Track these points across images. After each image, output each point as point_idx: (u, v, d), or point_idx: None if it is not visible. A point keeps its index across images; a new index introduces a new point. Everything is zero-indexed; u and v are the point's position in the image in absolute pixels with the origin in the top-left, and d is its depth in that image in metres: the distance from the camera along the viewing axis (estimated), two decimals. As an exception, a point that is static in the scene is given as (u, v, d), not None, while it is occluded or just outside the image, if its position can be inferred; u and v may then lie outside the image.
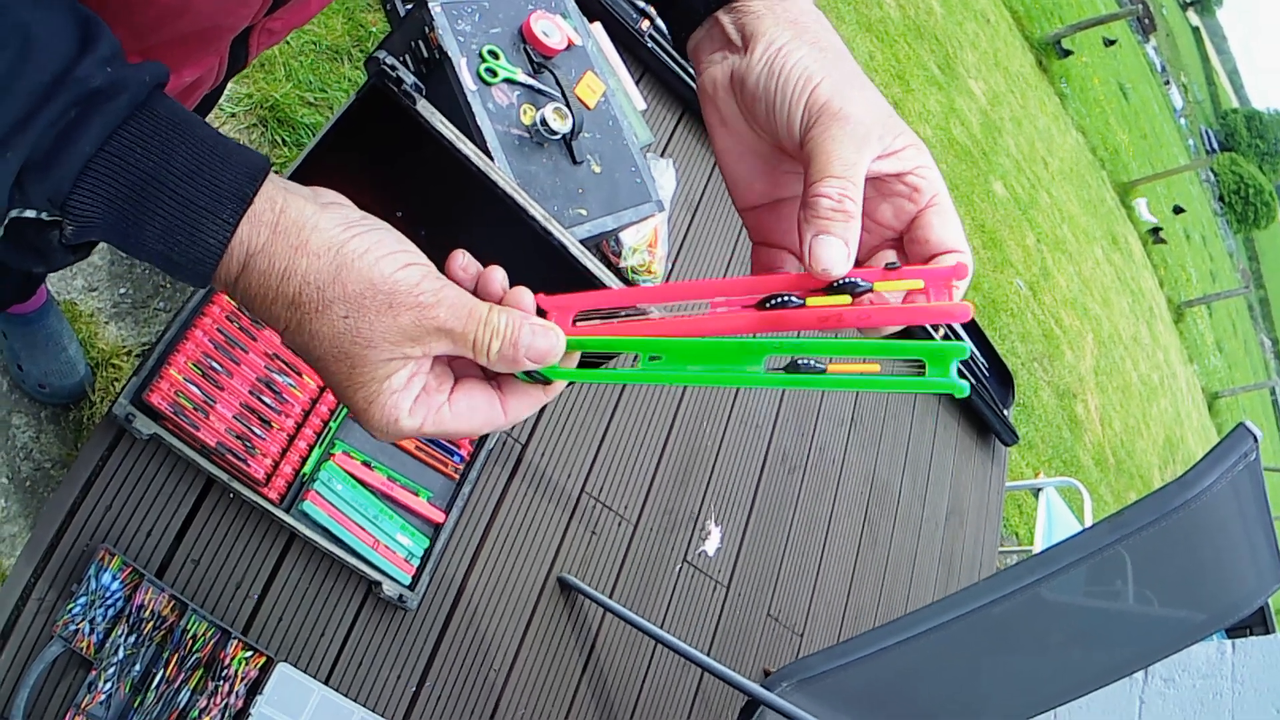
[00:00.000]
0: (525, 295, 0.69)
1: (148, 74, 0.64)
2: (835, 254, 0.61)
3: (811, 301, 0.62)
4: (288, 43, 2.86)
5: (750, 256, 0.77)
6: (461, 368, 0.71)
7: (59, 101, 0.59)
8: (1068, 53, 14.85)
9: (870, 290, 0.62)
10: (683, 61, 2.74)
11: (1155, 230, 17.47)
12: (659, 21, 2.68)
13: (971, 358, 3.90)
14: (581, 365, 0.69)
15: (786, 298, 0.62)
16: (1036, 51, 13.99)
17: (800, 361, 0.61)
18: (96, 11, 0.65)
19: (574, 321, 0.68)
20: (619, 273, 2.38)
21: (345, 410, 1.81)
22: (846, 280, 0.61)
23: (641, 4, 2.63)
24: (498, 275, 0.70)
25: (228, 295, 0.67)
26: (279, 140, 2.69)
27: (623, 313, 0.68)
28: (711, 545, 2.55)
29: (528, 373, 0.68)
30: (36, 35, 0.59)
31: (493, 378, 0.71)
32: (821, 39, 0.71)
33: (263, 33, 1.04)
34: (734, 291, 0.65)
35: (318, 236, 0.64)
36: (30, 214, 0.62)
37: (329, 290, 0.63)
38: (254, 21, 0.96)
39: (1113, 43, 22.56)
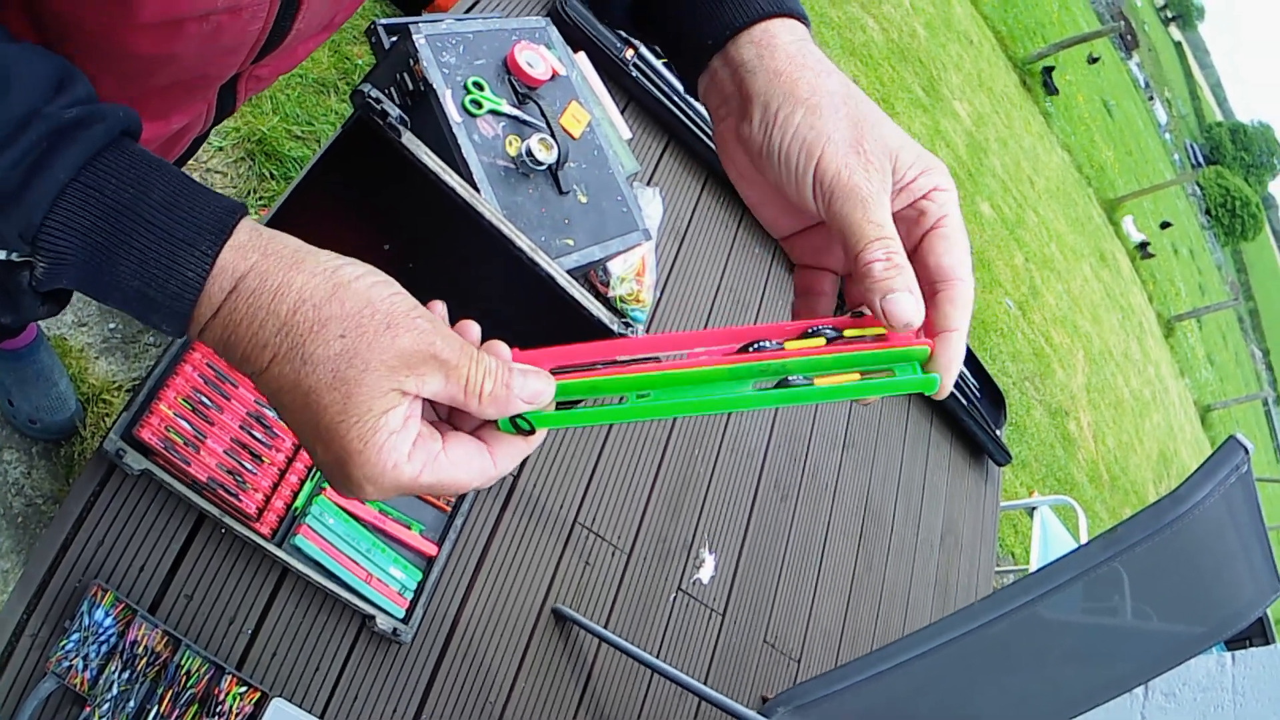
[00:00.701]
0: (502, 347, 0.67)
1: (122, 111, 0.63)
2: (909, 306, 0.64)
3: (790, 345, 0.66)
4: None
5: (793, 279, 0.80)
6: (438, 424, 0.68)
7: (32, 133, 0.58)
8: (1054, 90, 14.93)
9: (840, 335, 0.67)
10: (667, 90, 2.75)
11: (1143, 245, 17.55)
12: (643, 50, 2.70)
13: (962, 379, 3.91)
14: (560, 407, 0.67)
15: (765, 344, 0.66)
16: (1020, 71, 14.07)
17: (790, 379, 0.64)
18: (83, 59, 0.65)
19: (552, 374, 0.67)
20: (607, 302, 2.38)
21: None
22: (821, 328, 0.67)
23: (624, 34, 2.64)
24: (473, 329, 0.68)
25: (202, 339, 0.63)
26: (267, 174, 2.70)
27: (600, 365, 0.68)
28: (706, 573, 2.54)
29: (512, 421, 0.66)
30: (14, 74, 0.59)
31: (470, 432, 0.68)
32: (814, 90, 0.71)
33: (250, 79, 1.04)
34: (710, 342, 0.68)
35: (312, 259, 0.62)
36: (0, 255, 0.60)
37: (325, 308, 0.60)
38: (241, 69, 0.96)
39: (1096, 60, 22.74)
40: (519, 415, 0.65)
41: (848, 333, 0.67)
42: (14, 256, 0.60)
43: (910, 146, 0.70)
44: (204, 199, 0.61)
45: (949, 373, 0.67)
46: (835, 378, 0.65)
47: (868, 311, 0.67)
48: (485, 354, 0.64)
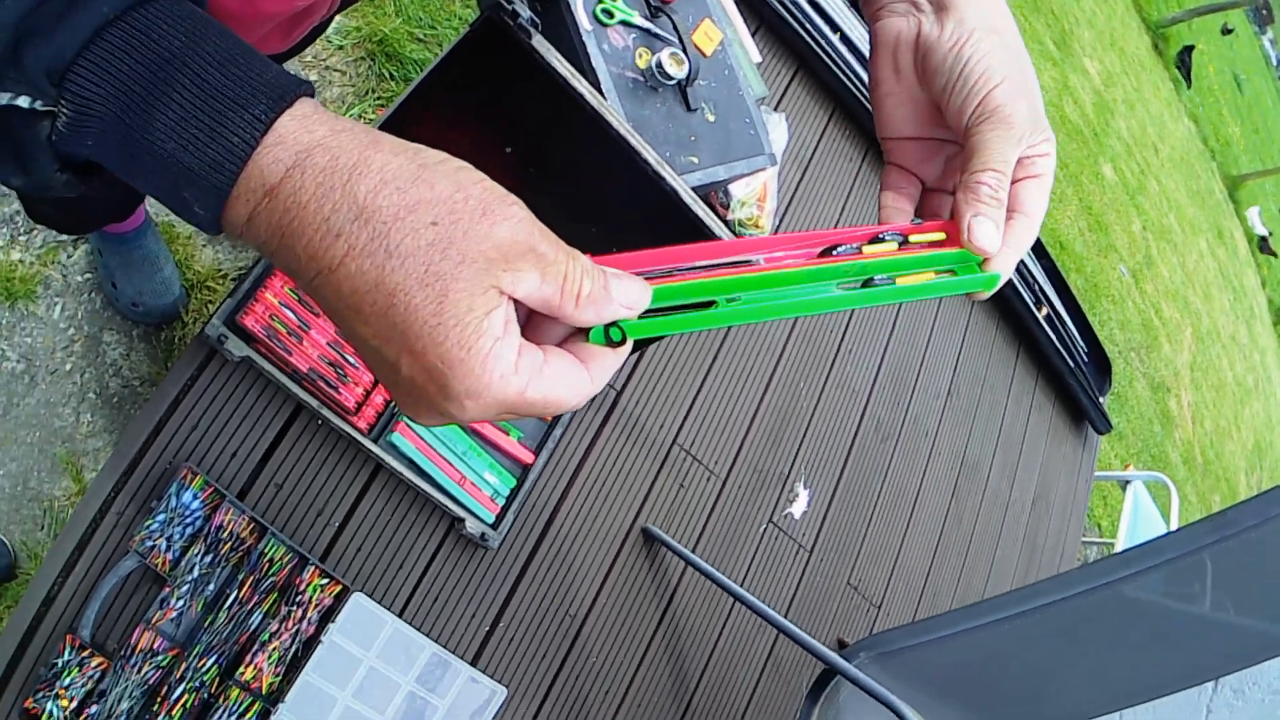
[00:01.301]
0: (585, 258, 0.59)
1: None
2: (991, 233, 0.71)
3: (866, 249, 0.70)
4: (399, -24, 2.85)
5: (881, 179, 0.85)
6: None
7: None
8: (1188, 77, 14.44)
9: (907, 241, 0.72)
10: (800, 17, 2.69)
11: (1264, 240, 17.03)
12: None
13: (1071, 341, 3.82)
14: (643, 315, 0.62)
15: (845, 247, 0.69)
16: (1153, 34, 13.65)
17: (875, 279, 0.68)
18: None
19: None
20: (727, 224, 2.35)
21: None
22: (886, 234, 0.72)
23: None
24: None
25: (250, 232, 0.54)
26: (386, 74, 2.69)
27: (683, 269, 0.65)
28: (798, 508, 2.52)
29: (605, 331, 0.60)
30: None
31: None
32: (1006, 29, 0.77)
33: None
34: (786, 246, 0.69)
35: (387, 139, 0.54)
36: (23, 102, 0.52)
37: (412, 191, 0.52)
38: None
39: (1230, 31, 21.97)
40: (611, 324, 0.59)
41: (912, 238, 0.73)
42: (37, 104, 0.52)
43: (1044, 119, 0.77)
44: (265, 65, 0.54)
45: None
46: (912, 277, 0.69)
47: (920, 220, 0.77)
48: (579, 253, 0.57)
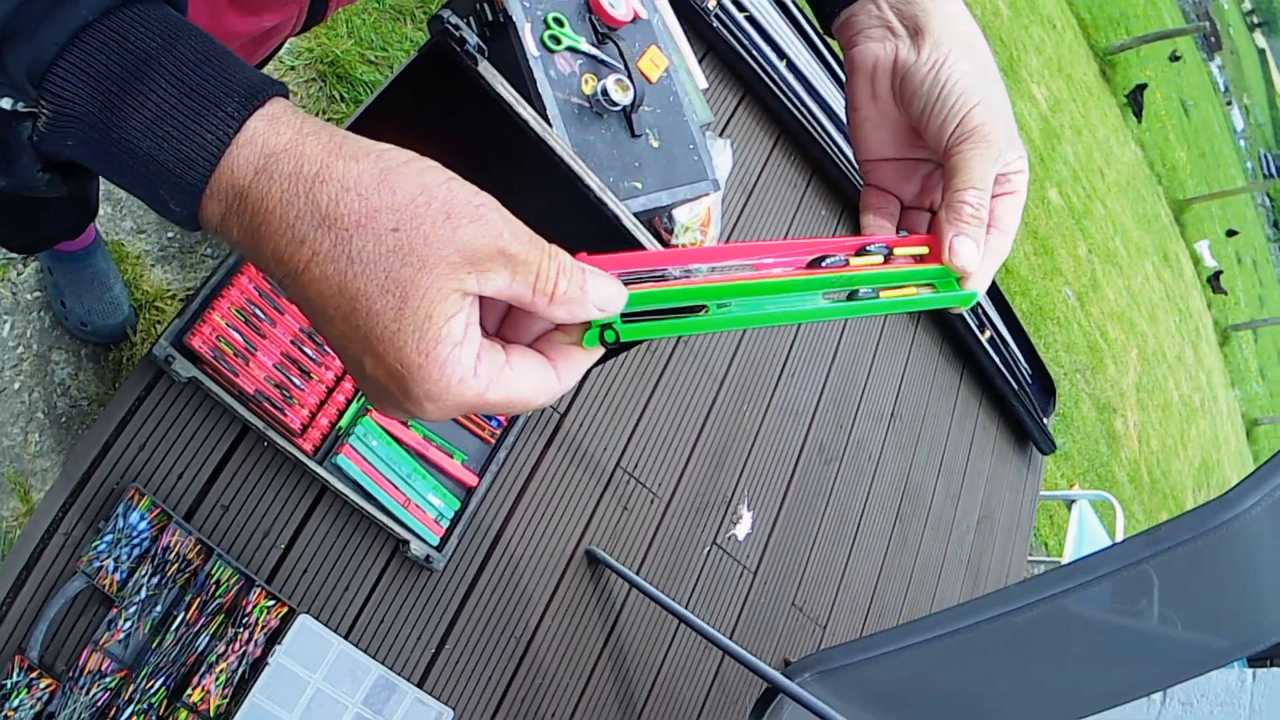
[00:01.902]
0: (563, 252, 0.60)
1: None
2: (972, 252, 0.73)
3: (854, 261, 0.72)
4: (351, 3, 2.86)
5: (860, 200, 0.87)
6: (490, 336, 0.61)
7: None
8: (1139, 114, 14.64)
9: (891, 254, 0.74)
10: (746, 44, 2.72)
11: (1215, 278, 17.27)
12: (725, 2, 2.66)
13: (1015, 363, 3.87)
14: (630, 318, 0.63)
15: (836, 258, 0.70)
16: (1101, 61, 13.84)
17: (860, 292, 0.70)
18: None
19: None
20: (660, 273, 2.36)
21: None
22: (871, 247, 0.73)
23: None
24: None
25: (223, 230, 0.55)
26: (337, 96, 2.69)
27: (672, 273, 0.66)
28: (742, 530, 2.53)
29: (600, 334, 0.60)
30: None
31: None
32: (979, 50, 0.80)
33: None
34: (774, 254, 0.71)
35: (352, 142, 0.54)
36: (5, 104, 0.53)
37: (374, 197, 0.52)
38: None
39: (1178, 58, 22.32)
40: (605, 326, 0.60)
41: (896, 251, 0.74)
42: (19, 106, 0.53)
43: (1018, 138, 0.79)
44: (239, 66, 0.55)
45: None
46: (895, 291, 0.72)
47: (906, 233, 0.81)
48: (558, 250, 0.58)
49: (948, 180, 0.76)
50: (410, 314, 0.53)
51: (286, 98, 0.57)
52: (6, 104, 0.53)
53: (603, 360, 1.76)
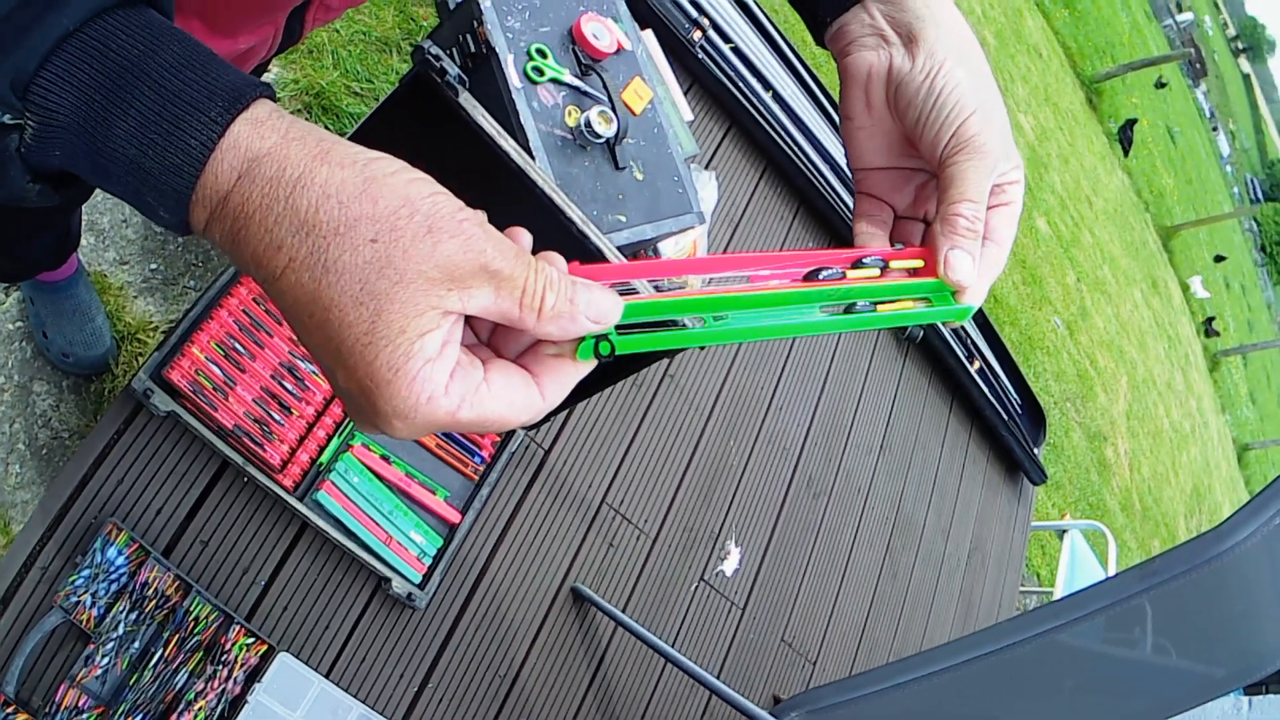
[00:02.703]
0: (558, 259, 0.59)
1: None
2: (968, 266, 0.71)
3: (850, 274, 0.70)
4: (337, 30, 2.86)
5: (854, 208, 0.85)
6: (477, 349, 0.60)
7: None
8: (1127, 149, 14.79)
9: (887, 266, 0.73)
10: (732, 75, 2.72)
11: (1209, 321, 17.40)
12: (711, 34, 2.66)
13: (1005, 393, 3.87)
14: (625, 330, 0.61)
15: (834, 271, 0.69)
16: (1087, 89, 13.93)
17: (857, 305, 0.68)
18: None
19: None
20: (655, 284, 2.36)
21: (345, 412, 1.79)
22: (867, 259, 0.72)
23: (694, 14, 2.61)
24: (524, 237, 0.59)
25: (208, 234, 0.54)
26: (323, 127, 2.68)
27: (665, 284, 0.65)
28: (730, 565, 2.51)
29: (595, 346, 0.59)
30: None
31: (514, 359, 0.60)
32: (975, 58, 0.78)
33: (320, 8, 1.02)
34: (768, 265, 0.69)
35: (340, 149, 0.53)
36: None
37: (354, 206, 0.51)
38: None
39: (1164, 85, 22.49)
40: (600, 338, 0.58)
41: (892, 264, 0.73)
42: (4, 118, 0.53)
43: (1013, 146, 0.77)
44: (223, 68, 0.54)
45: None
46: (893, 304, 0.70)
47: (901, 245, 0.77)
48: (544, 263, 0.56)
49: (942, 192, 0.74)
50: (383, 328, 0.51)
51: (273, 99, 0.55)
52: None
53: (596, 386, 1.74)
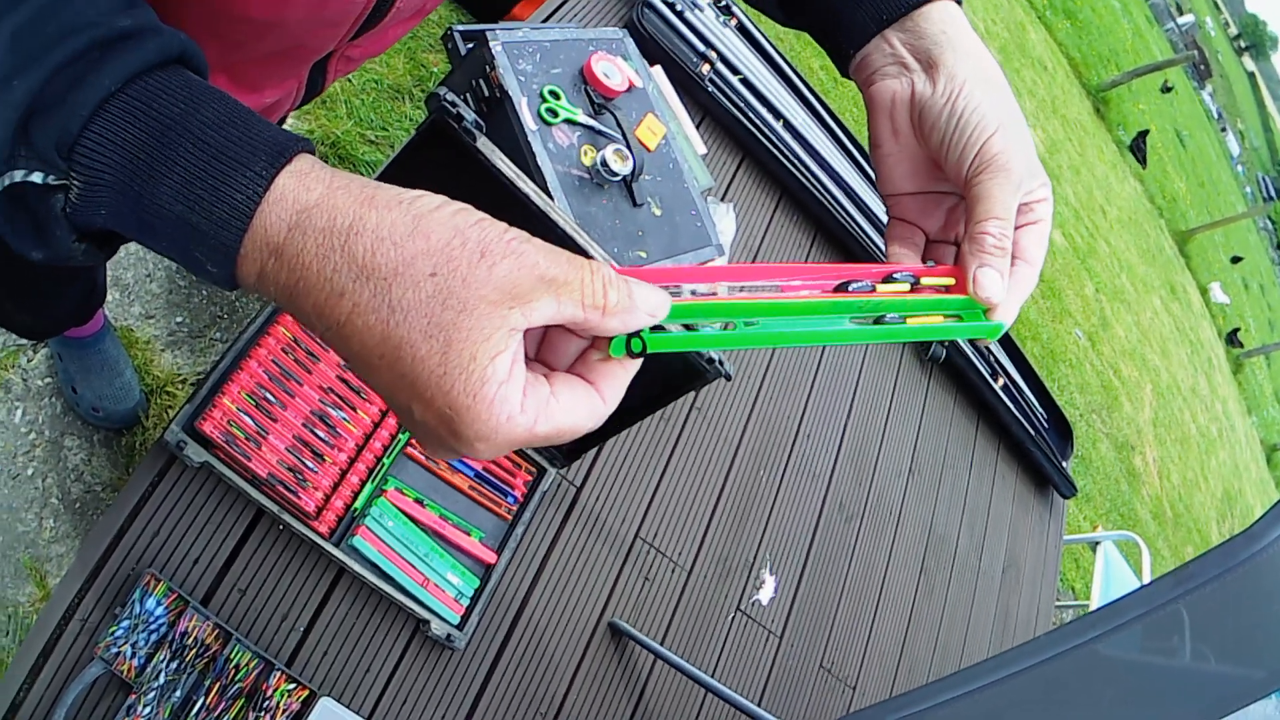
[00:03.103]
0: (605, 266, 0.61)
1: (182, 36, 0.58)
2: (996, 284, 0.72)
3: (880, 288, 0.71)
4: (349, 80, 2.89)
5: (886, 233, 0.87)
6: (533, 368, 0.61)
7: (81, 39, 0.53)
8: (1143, 161, 14.81)
9: (918, 282, 0.74)
10: (743, 106, 2.74)
11: (1234, 333, 17.35)
12: (719, 66, 2.68)
13: (1030, 408, 3.86)
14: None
15: (860, 283, 0.70)
16: (1094, 98, 13.93)
17: (886, 317, 0.70)
18: (191, 20, 0.63)
19: None
20: (691, 289, 2.36)
21: (403, 440, 1.80)
22: (899, 274, 0.73)
23: (702, 48, 2.63)
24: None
25: (261, 287, 0.56)
26: (341, 175, 2.71)
27: (700, 289, 0.66)
28: (766, 594, 2.51)
29: (626, 342, 0.61)
30: None
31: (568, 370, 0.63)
32: (996, 80, 0.79)
33: (341, 59, 1.04)
34: (802, 276, 0.70)
35: (384, 192, 0.55)
36: (36, 178, 0.54)
37: (408, 244, 0.53)
38: (336, 46, 0.96)
39: (1169, 89, 22.48)
40: (633, 335, 0.60)
41: (923, 280, 0.74)
42: (50, 179, 0.54)
43: (1038, 163, 0.78)
44: (263, 124, 0.56)
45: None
46: (923, 318, 0.71)
47: (933, 263, 0.80)
48: (599, 262, 0.58)
49: (969, 211, 0.76)
50: (455, 357, 0.53)
51: (313, 153, 0.57)
52: (37, 178, 0.54)
53: (627, 421, 1.74)
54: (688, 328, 0.64)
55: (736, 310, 0.65)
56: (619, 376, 0.62)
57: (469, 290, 0.53)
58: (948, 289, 0.75)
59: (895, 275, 0.73)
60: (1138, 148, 14.57)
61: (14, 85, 0.52)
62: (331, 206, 0.54)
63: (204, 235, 0.54)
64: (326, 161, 2.39)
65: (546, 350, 0.63)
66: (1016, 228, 0.76)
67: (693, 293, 0.66)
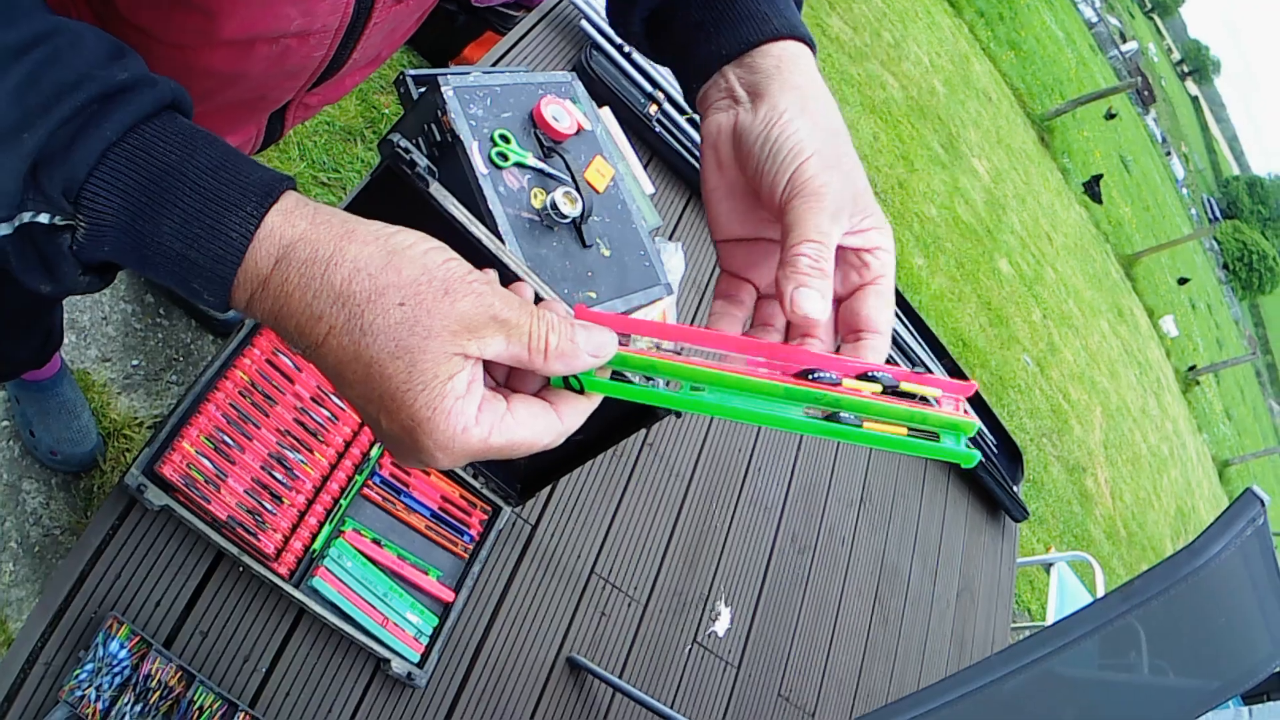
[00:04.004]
0: (560, 305, 0.68)
1: (173, 84, 0.64)
2: (813, 304, 0.70)
3: (847, 383, 0.68)
4: (302, 123, 2.91)
5: (715, 287, 0.85)
6: (498, 389, 0.68)
7: (83, 93, 0.59)
8: (1098, 199, 15.10)
9: (897, 387, 0.69)
10: (689, 146, 2.78)
11: (1192, 369, 17.62)
12: (666, 106, 2.72)
13: (980, 435, 3.90)
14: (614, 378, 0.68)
15: (824, 374, 0.68)
16: (1038, 128, 14.12)
17: (841, 415, 0.66)
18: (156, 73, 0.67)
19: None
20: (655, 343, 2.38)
21: (359, 482, 1.81)
22: (879, 374, 0.69)
23: (649, 88, 2.67)
24: (526, 290, 0.69)
25: (250, 311, 0.63)
26: (292, 218, 2.72)
27: (661, 346, 0.70)
28: (721, 626, 2.53)
29: (565, 380, 0.67)
30: (72, 41, 0.60)
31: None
32: (819, 111, 0.78)
33: (299, 106, 1.08)
34: (773, 355, 0.70)
35: (363, 227, 0.62)
36: (44, 218, 0.60)
37: (381, 276, 0.60)
38: (295, 95, 0.99)
39: (1113, 116, 22.82)
40: (573, 374, 0.66)
41: (904, 386, 0.69)
42: (56, 219, 0.60)
43: (870, 198, 0.77)
44: (251, 167, 0.62)
45: None
46: (883, 426, 0.67)
47: (928, 371, 0.67)
48: (545, 310, 0.65)
49: (783, 239, 0.73)
50: (419, 375, 0.60)
51: (295, 189, 0.64)
52: (45, 219, 0.60)
53: (579, 459, 1.76)
54: (648, 379, 0.67)
55: (689, 375, 0.67)
56: (580, 404, 0.69)
57: (433, 320, 0.60)
58: (926, 401, 0.69)
59: (875, 375, 0.69)
60: (1092, 190, 14.84)
61: (24, 138, 0.57)
62: (314, 240, 0.61)
63: (201, 269, 0.61)
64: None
65: (515, 378, 0.70)
66: (855, 289, 0.76)
67: (658, 347, 0.70)
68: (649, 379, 0.69)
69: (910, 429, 0.67)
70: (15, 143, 0.57)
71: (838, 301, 0.78)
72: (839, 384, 0.68)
